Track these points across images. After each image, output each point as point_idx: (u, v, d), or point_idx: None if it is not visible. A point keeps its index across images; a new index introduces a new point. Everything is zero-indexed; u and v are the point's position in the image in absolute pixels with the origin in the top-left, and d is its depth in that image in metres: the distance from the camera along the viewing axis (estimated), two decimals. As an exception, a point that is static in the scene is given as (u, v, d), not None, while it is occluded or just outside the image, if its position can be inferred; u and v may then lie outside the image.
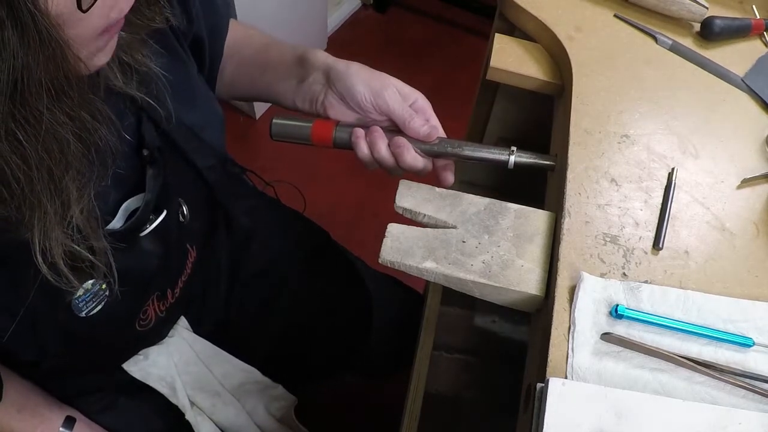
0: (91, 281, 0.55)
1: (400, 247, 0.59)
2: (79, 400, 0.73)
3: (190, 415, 0.78)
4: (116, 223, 0.58)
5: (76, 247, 0.48)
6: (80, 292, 0.54)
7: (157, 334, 0.75)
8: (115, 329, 0.63)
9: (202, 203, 0.71)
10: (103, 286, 0.56)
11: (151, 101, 0.57)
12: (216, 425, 0.82)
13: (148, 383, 0.74)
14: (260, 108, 1.96)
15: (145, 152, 0.58)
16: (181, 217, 0.64)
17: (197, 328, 0.80)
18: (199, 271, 0.81)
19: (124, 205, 0.58)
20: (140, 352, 0.74)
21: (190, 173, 0.67)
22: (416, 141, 0.66)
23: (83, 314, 0.56)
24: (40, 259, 0.45)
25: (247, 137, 1.95)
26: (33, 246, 0.44)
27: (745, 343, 0.53)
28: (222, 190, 0.73)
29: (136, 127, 0.58)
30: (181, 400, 0.77)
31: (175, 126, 0.61)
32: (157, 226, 0.59)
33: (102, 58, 0.46)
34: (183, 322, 0.78)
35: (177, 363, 0.77)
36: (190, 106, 0.64)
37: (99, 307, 0.57)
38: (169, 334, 0.77)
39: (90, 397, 0.74)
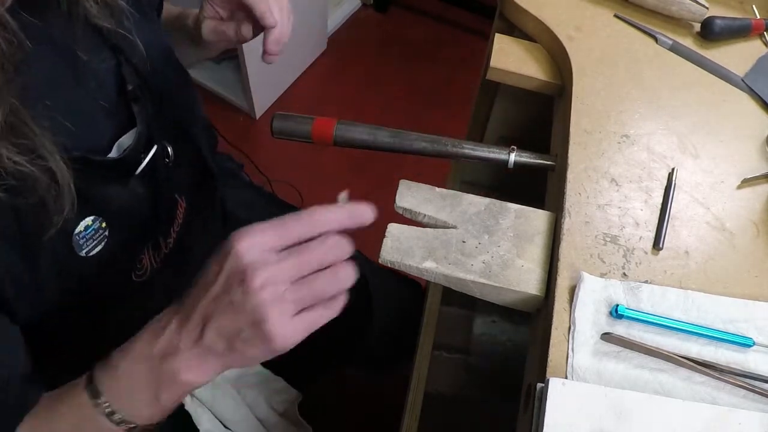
0: (90, 218, 0.55)
1: (400, 247, 0.59)
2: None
3: (189, 406, 0.78)
4: (112, 155, 0.59)
5: (10, 162, 0.46)
6: (81, 227, 0.55)
7: (151, 299, 0.75)
8: (114, 274, 0.63)
9: (182, 148, 0.71)
10: (103, 224, 0.57)
11: (128, 36, 0.58)
12: (216, 417, 0.82)
13: None
14: (260, 108, 1.96)
15: (130, 87, 0.59)
16: (166, 158, 0.65)
17: None
18: (197, 260, 0.82)
19: (118, 142, 0.59)
20: None
21: (169, 118, 0.68)
22: (418, 137, 0.67)
23: (83, 253, 0.56)
24: None
25: (246, 137, 1.95)
26: None
27: (745, 343, 0.53)
28: (205, 145, 0.74)
29: (117, 67, 0.59)
30: None
31: (149, 69, 0.62)
32: (146, 166, 0.60)
33: None
34: None
35: None
36: (155, 48, 0.66)
37: (99, 247, 0.57)
38: None
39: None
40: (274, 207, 0.98)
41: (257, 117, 1.96)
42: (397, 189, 0.64)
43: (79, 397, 0.50)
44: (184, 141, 0.71)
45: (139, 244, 0.65)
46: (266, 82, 1.92)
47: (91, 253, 0.57)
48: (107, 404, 0.49)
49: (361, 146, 0.69)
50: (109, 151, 0.59)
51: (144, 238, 0.65)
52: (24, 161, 0.46)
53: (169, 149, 0.66)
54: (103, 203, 0.57)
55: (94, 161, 0.55)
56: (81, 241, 0.56)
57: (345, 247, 0.47)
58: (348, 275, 0.46)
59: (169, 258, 0.70)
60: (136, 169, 0.60)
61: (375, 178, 1.87)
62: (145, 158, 0.60)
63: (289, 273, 0.44)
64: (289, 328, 0.44)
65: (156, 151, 0.62)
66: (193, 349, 0.46)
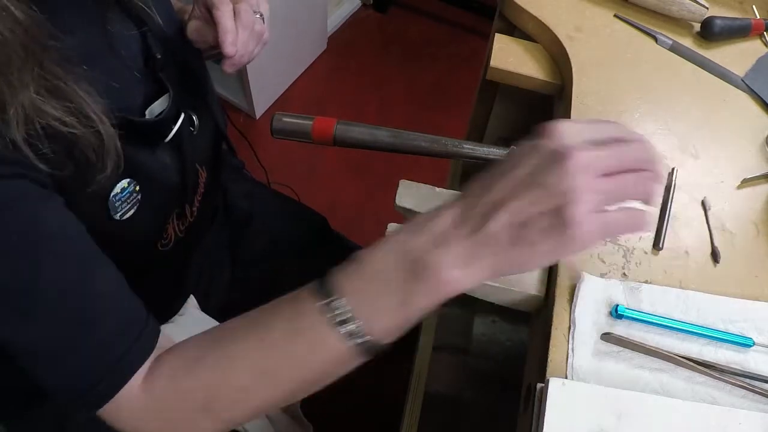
0: (126, 180, 0.56)
1: (400, 247, 0.59)
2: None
3: None
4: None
5: (61, 114, 0.46)
6: (117, 189, 0.56)
7: (166, 307, 0.76)
8: (143, 242, 0.64)
9: (203, 118, 0.73)
10: (137, 188, 0.58)
11: (147, 8, 0.61)
12: None
13: None
14: (260, 108, 1.96)
15: (159, 56, 0.61)
16: (191, 127, 0.67)
17: (205, 309, 0.82)
18: (203, 255, 0.83)
19: (149, 109, 0.60)
20: None
21: (191, 88, 0.70)
22: (418, 136, 0.67)
23: (117, 216, 0.57)
24: (12, 133, 0.42)
25: (247, 136, 1.95)
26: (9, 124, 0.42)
27: (745, 343, 0.53)
28: (218, 112, 0.77)
29: (142, 37, 0.61)
30: None
31: (169, 40, 0.64)
32: (174, 135, 0.62)
33: None
34: (192, 300, 0.80)
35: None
36: (171, 22, 0.68)
37: (132, 211, 0.58)
38: (180, 312, 0.78)
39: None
40: (274, 199, 0.99)
41: (257, 117, 1.96)
42: (397, 189, 0.64)
43: (303, 303, 0.43)
44: (204, 112, 0.72)
45: (168, 211, 0.66)
46: (266, 82, 1.92)
47: (125, 217, 0.58)
48: (340, 308, 0.41)
49: (361, 146, 0.68)
50: (143, 117, 0.60)
51: (172, 204, 0.67)
52: (74, 122, 0.46)
53: (194, 118, 0.68)
54: (137, 166, 0.58)
55: (135, 122, 0.56)
56: (117, 203, 0.56)
57: (654, 156, 0.40)
58: (655, 183, 0.40)
59: (191, 228, 0.72)
60: (168, 134, 0.62)
61: (375, 178, 1.87)
62: (174, 125, 0.62)
63: (607, 162, 0.39)
64: (593, 222, 0.38)
65: (183, 119, 0.63)
66: (468, 238, 0.39)
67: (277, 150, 1.88)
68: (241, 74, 1.81)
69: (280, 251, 0.93)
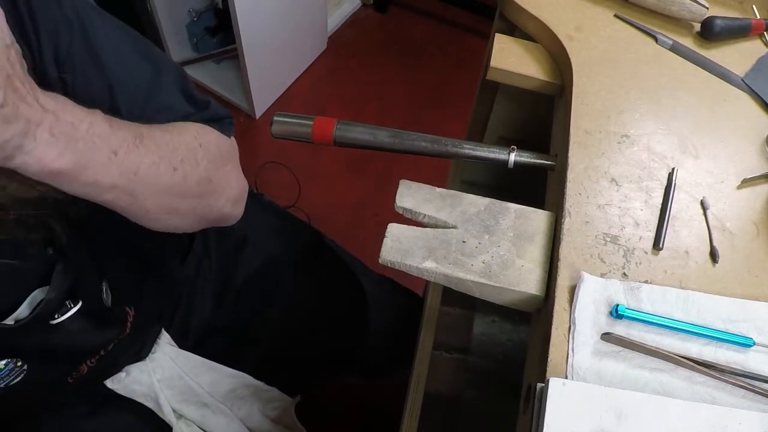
0: (3, 361, 0.53)
1: (401, 247, 0.59)
2: (65, 406, 0.72)
3: (177, 428, 0.77)
4: (22, 312, 0.53)
5: None
6: None
7: (129, 354, 0.73)
8: (42, 392, 0.61)
9: (134, 272, 0.67)
10: (19, 362, 0.54)
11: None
12: None
13: (133, 399, 0.74)
14: (260, 108, 1.96)
15: (50, 251, 0.53)
16: (103, 301, 0.60)
17: (182, 341, 0.79)
18: (181, 287, 0.80)
19: (30, 296, 0.53)
20: (123, 369, 0.73)
21: (121, 248, 0.63)
22: (418, 136, 0.66)
23: (2, 385, 0.54)
24: None
25: (246, 136, 1.95)
26: None
27: (745, 343, 0.53)
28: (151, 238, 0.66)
29: (45, 221, 0.52)
30: (167, 415, 0.76)
31: (91, 208, 0.53)
32: (73, 314, 0.55)
33: None
34: (165, 337, 0.77)
35: (160, 380, 0.76)
36: None
37: (17, 379, 0.55)
38: (152, 351, 0.76)
39: (77, 403, 0.73)
40: (269, 216, 0.96)
41: (257, 117, 1.96)
42: (397, 189, 0.64)
43: None
44: (138, 261, 0.66)
45: (70, 368, 0.62)
46: (266, 82, 1.92)
47: (11, 384, 0.55)
48: None
49: (361, 146, 0.68)
50: (19, 305, 0.53)
51: (75, 362, 0.62)
52: None
53: (105, 294, 0.60)
54: (17, 348, 0.54)
55: None
56: None
57: None
58: None
59: (107, 358, 0.67)
60: (53, 320, 0.54)
61: (375, 178, 1.87)
62: (68, 310, 0.55)
63: None
64: None
65: (87, 299, 0.56)
66: None
67: (277, 149, 1.88)
68: (241, 74, 1.82)
69: (273, 272, 0.91)
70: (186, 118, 0.58)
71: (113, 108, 0.53)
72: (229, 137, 0.63)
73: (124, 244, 0.65)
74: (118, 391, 0.73)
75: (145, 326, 0.72)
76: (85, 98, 0.46)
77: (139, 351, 0.75)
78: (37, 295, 0.53)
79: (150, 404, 0.76)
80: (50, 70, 0.49)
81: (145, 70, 0.56)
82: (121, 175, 0.47)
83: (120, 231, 0.59)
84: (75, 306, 0.55)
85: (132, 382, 0.74)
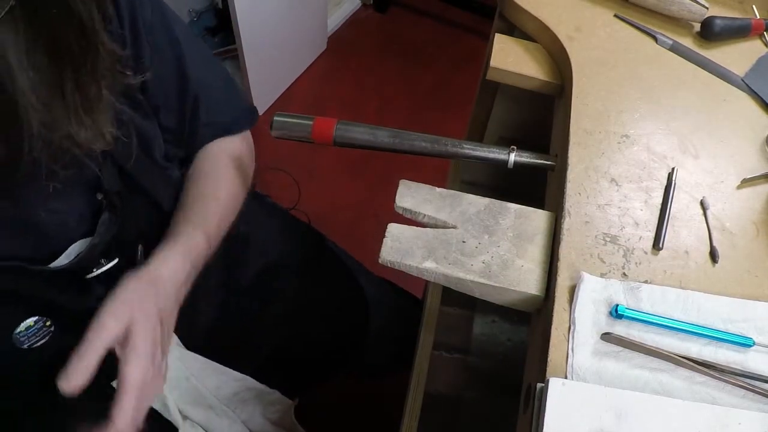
0: (33, 318, 0.54)
1: (400, 247, 0.59)
2: (70, 406, 0.72)
3: (183, 430, 0.77)
4: (61, 261, 0.55)
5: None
6: (21, 327, 0.53)
7: None
8: (62, 360, 0.61)
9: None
10: (47, 323, 0.55)
11: (121, 137, 0.54)
12: None
13: None
14: (260, 108, 1.96)
15: (99, 196, 0.56)
16: (138, 263, 0.62)
17: (188, 341, 0.79)
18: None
19: (71, 247, 0.55)
20: None
21: (156, 216, 0.65)
22: (418, 136, 0.66)
23: (25, 346, 0.55)
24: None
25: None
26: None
27: (745, 343, 0.53)
28: None
29: (97, 168, 0.55)
30: (173, 416, 0.76)
31: (141, 168, 0.59)
32: (108, 270, 0.57)
33: None
34: (173, 337, 0.77)
35: (167, 381, 0.76)
36: (153, 152, 0.63)
37: (42, 341, 0.56)
38: None
39: (82, 404, 0.73)
40: (272, 218, 0.97)
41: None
42: (397, 189, 0.64)
43: None
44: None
45: None
46: (266, 82, 1.92)
47: (35, 346, 0.56)
48: None
49: (361, 146, 0.68)
50: (60, 255, 0.55)
51: None
52: None
53: (139, 253, 0.62)
54: (48, 305, 0.55)
55: (30, 271, 0.52)
56: (22, 339, 0.54)
57: None
58: None
59: None
60: (88, 274, 0.57)
61: (375, 178, 1.87)
62: (104, 265, 0.57)
63: None
64: None
65: (118, 262, 0.58)
66: None
67: (278, 149, 1.88)
68: (241, 74, 1.81)
69: (275, 275, 0.91)
70: (235, 129, 0.73)
71: (181, 90, 0.62)
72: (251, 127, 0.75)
73: (162, 218, 0.67)
74: None
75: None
76: (155, 74, 0.55)
77: None
78: (77, 246, 0.56)
79: (156, 405, 0.75)
80: (128, 40, 0.54)
81: (214, 63, 0.66)
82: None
83: (158, 209, 0.65)
84: (111, 262, 0.58)
85: None
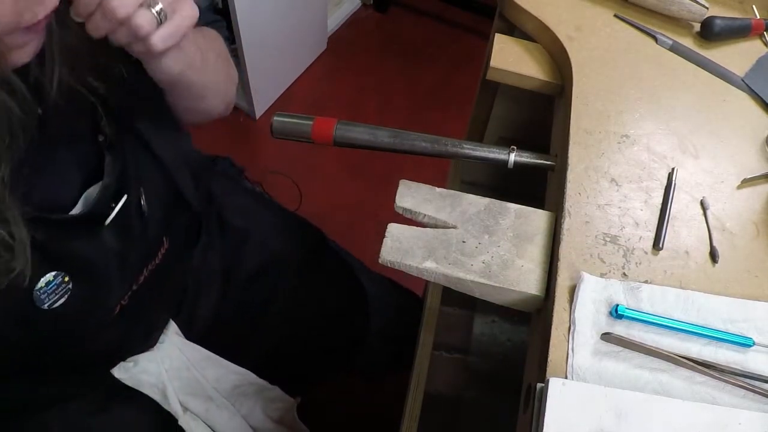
0: (52, 273, 0.55)
1: (401, 247, 0.59)
2: (71, 400, 0.73)
3: (183, 421, 0.78)
4: (77, 209, 0.57)
5: None
6: (41, 283, 0.54)
7: (139, 338, 0.74)
8: (79, 320, 0.62)
9: (164, 194, 0.70)
10: (66, 278, 0.56)
11: (111, 89, 0.57)
12: (211, 429, 0.82)
13: (139, 390, 0.74)
14: (260, 108, 1.96)
15: (101, 138, 0.59)
16: (142, 206, 0.64)
17: (188, 332, 0.80)
18: (188, 275, 0.81)
19: (85, 194, 0.58)
20: (130, 359, 0.74)
21: (152, 164, 0.67)
22: (418, 136, 0.67)
23: (45, 306, 0.56)
24: None
25: (247, 137, 1.95)
26: None
27: (745, 343, 0.53)
28: (186, 184, 0.73)
29: (93, 114, 0.58)
30: (173, 407, 0.77)
31: (135, 115, 0.61)
32: (118, 214, 0.59)
33: (21, 56, 0.46)
34: (173, 327, 0.78)
35: (167, 369, 0.76)
36: (151, 98, 0.65)
37: (62, 300, 0.57)
38: (160, 340, 0.76)
39: (82, 399, 0.73)
40: (272, 213, 0.97)
41: (257, 117, 1.96)
42: (397, 189, 0.64)
43: None
44: (165, 181, 0.69)
45: (108, 294, 0.63)
46: (266, 82, 1.92)
47: (54, 306, 0.56)
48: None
49: (361, 146, 0.68)
50: (76, 202, 0.57)
51: (113, 288, 0.64)
52: None
53: (142, 200, 0.64)
54: (66, 258, 0.56)
55: (52, 220, 0.54)
56: (42, 296, 0.55)
57: None
58: None
59: (138, 293, 0.69)
60: (104, 221, 0.58)
61: (375, 178, 1.87)
62: (115, 207, 0.59)
63: None
64: None
65: (126, 201, 0.60)
66: None
67: (278, 149, 1.88)
68: (241, 74, 1.82)
69: (275, 270, 0.91)
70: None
71: None
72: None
73: (158, 167, 0.68)
74: (126, 382, 0.73)
75: (173, 262, 0.73)
76: None
77: (148, 337, 0.75)
78: (90, 192, 0.58)
79: (156, 396, 0.76)
80: None
81: None
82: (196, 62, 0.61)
83: (153, 156, 0.66)
84: (120, 201, 0.60)
85: (140, 371, 0.74)
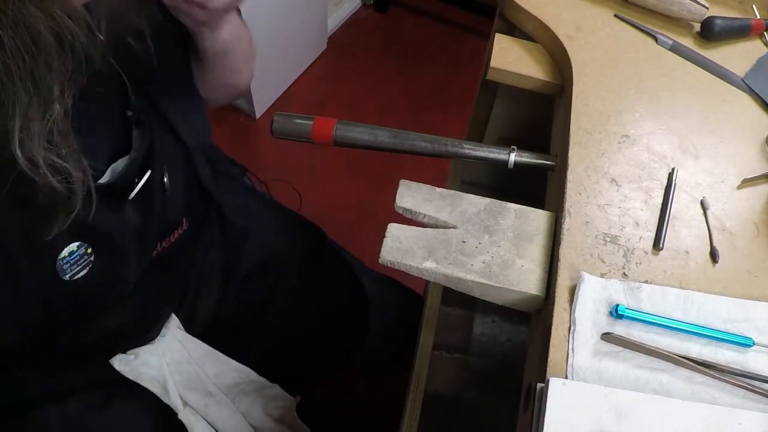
0: (76, 243, 0.56)
1: (401, 247, 0.59)
2: (70, 396, 0.73)
3: (182, 415, 0.78)
4: (106, 177, 0.59)
5: (55, 158, 0.47)
6: (65, 253, 0.55)
7: (143, 330, 0.75)
8: (97, 294, 0.63)
9: (185, 175, 0.72)
10: (88, 250, 0.57)
11: (140, 69, 0.59)
12: (210, 425, 0.82)
13: (140, 383, 0.74)
14: (260, 108, 1.96)
15: (130, 113, 0.60)
16: (164, 183, 0.66)
17: (190, 327, 0.80)
18: (193, 270, 0.81)
19: (112, 166, 0.60)
20: (130, 352, 0.74)
21: (175, 146, 0.69)
22: (418, 136, 0.67)
23: (67, 277, 0.56)
24: (18, 152, 0.44)
25: (247, 137, 1.95)
26: (12, 138, 0.43)
27: (745, 343, 0.53)
28: (205, 172, 0.75)
29: (123, 90, 0.60)
30: (173, 400, 0.77)
31: (162, 97, 0.63)
32: (142, 189, 0.61)
33: None
34: (175, 320, 0.78)
35: (168, 363, 0.77)
36: (178, 85, 0.67)
37: (83, 272, 0.58)
38: (161, 333, 0.77)
39: (82, 394, 0.74)
40: (272, 212, 0.98)
41: (257, 117, 1.96)
42: (397, 189, 0.64)
43: None
44: (187, 164, 0.70)
45: (127, 268, 0.64)
46: (266, 82, 1.92)
47: (76, 277, 0.57)
48: None
49: (361, 146, 0.69)
50: (103, 173, 0.59)
51: (131, 263, 0.65)
52: (52, 171, 0.47)
53: (166, 175, 0.65)
54: (90, 230, 0.57)
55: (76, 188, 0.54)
56: (65, 266, 0.56)
57: None
58: None
59: (149, 271, 0.69)
60: (129, 194, 0.60)
61: (375, 178, 1.87)
62: (140, 182, 0.61)
63: None
64: None
65: (150, 176, 0.62)
66: None
67: (278, 149, 1.88)
68: (241, 74, 1.81)
69: (275, 269, 0.92)
70: None
71: None
72: None
73: (181, 150, 0.70)
74: (126, 374, 0.73)
75: (185, 245, 0.74)
76: None
77: (149, 330, 0.76)
78: (117, 165, 0.60)
79: (156, 389, 0.76)
80: None
81: None
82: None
83: (177, 139, 0.68)
84: (145, 176, 0.61)
85: (141, 364, 0.74)
